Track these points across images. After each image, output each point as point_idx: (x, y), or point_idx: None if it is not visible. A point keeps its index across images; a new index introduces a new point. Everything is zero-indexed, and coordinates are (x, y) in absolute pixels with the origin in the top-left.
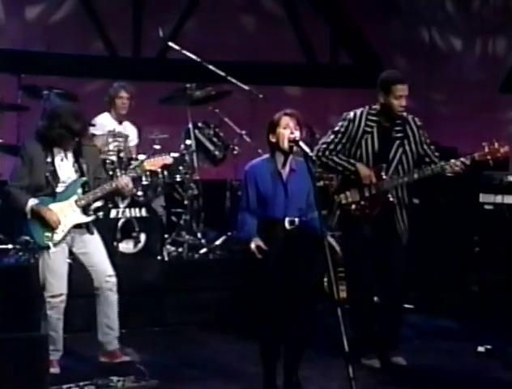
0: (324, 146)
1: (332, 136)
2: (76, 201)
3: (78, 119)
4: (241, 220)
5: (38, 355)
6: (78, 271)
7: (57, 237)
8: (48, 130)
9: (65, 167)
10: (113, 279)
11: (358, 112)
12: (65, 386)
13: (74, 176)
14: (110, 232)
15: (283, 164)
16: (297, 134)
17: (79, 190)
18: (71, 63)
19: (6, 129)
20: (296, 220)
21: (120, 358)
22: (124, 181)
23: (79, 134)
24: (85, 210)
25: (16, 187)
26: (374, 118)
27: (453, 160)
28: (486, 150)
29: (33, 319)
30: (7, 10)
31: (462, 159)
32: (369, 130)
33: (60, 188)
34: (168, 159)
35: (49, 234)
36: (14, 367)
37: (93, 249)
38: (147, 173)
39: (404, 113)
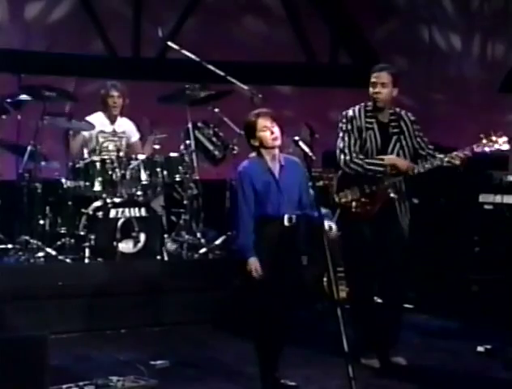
0: (346, 151)
1: (346, 138)
2: None
3: None
4: (240, 226)
5: (38, 355)
6: (76, 271)
7: None
8: None
9: None
10: None
11: (356, 109)
12: (65, 386)
13: None
14: (110, 231)
15: (272, 161)
16: (277, 131)
17: None
18: (71, 63)
19: (6, 129)
20: (294, 216)
21: None
22: None
23: None
24: None
25: None
26: (371, 114)
27: (454, 153)
28: (484, 141)
29: (33, 319)
30: (7, 10)
31: (460, 151)
32: (369, 126)
33: None
34: None
35: None
36: (14, 367)
37: None
38: None
39: (398, 109)
